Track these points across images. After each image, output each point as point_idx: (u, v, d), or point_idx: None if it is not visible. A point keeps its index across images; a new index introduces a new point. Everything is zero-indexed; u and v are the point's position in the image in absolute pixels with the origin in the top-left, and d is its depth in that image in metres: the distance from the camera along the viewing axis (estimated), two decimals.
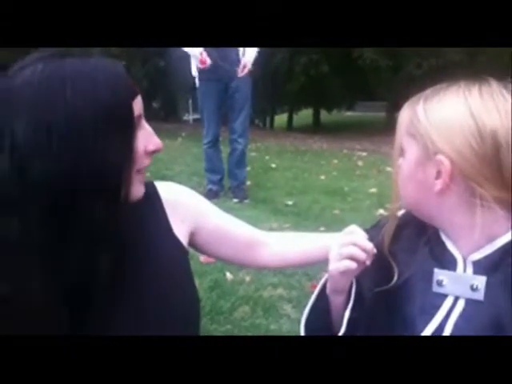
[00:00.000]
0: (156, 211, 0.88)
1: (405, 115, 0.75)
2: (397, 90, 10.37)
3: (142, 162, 0.76)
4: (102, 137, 0.67)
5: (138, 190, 0.77)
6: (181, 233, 0.89)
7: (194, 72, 3.96)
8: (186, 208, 0.92)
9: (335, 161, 6.69)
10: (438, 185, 0.69)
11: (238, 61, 3.85)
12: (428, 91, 0.75)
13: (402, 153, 0.76)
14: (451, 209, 0.70)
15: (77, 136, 0.66)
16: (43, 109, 0.65)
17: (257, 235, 1.02)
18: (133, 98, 0.73)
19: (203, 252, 1.01)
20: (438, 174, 0.69)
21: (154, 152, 0.78)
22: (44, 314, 0.69)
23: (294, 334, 1.89)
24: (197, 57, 3.76)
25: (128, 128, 0.71)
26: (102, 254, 0.70)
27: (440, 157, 0.68)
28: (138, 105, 0.74)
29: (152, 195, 0.88)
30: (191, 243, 0.95)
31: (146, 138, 0.76)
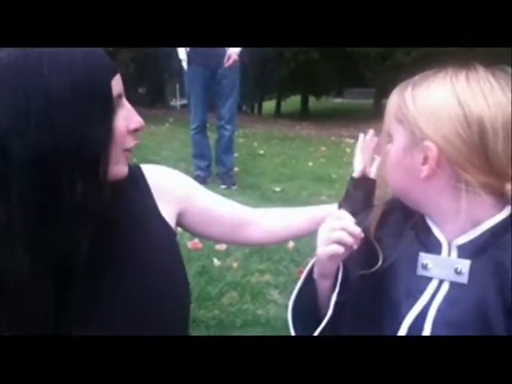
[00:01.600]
0: (142, 193, 0.88)
1: (393, 101, 0.76)
2: (385, 77, 10.39)
3: (126, 141, 0.76)
4: (80, 115, 0.67)
5: (121, 170, 0.77)
6: (168, 214, 0.90)
7: (181, 56, 3.93)
8: (173, 189, 0.93)
9: (323, 148, 6.71)
10: (425, 170, 0.70)
11: (224, 51, 3.82)
12: (416, 78, 0.75)
13: (389, 139, 0.76)
14: (437, 194, 0.71)
15: (55, 114, 0.65)
16: (21, 87, 0.65)
17: (245, 214, 1.03)
18: (111, 76, 0.72)
19: (192, 232, 1.02)
20: (425, 160, 0.70)
21: (136, 130, 0.78)
22: (29, 295, 0.69)
23: (280, 320, 1.92)
24: None
25: (107, 106, 0.71)
26: (84, 234, 0.70)
27: (427, 143, 0.68)
28: (117, 83, 0.73)
29: (138, 178, 0.89)
30: (180, 224, 0.96)
31: (128, 116, 0.76)
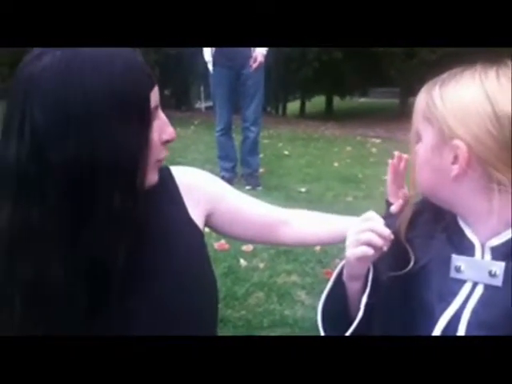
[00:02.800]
0: (171, 195, 0.89)
1: (421, 100, 0.74)
2: (411, 76, 10.23)
3: (158, 151, 0.77)
4: (118, 126, 0.68)
5: (152, 179, 0.78)
6: (197, 215, 0.90)
7: (207, 58, 3.95)
8: (201, 190, 0.93)
9: (348, 148, 6.65)
10: (455, 170, 0.69)
11: (249, 52, 3.83)
12: (444, 75, 0.74)
13: (418, 138, 0.75)
14: (468, 194, 0.70)
15: (94, 123, 0.66)
16: (62, 94, 0.65)
17: (276, 214, 1.03)
18: (150, 88, 0.73)
19: (221, 233, 1.02)
20: (455, 159, 0.68)
21: (168, 142, 0.78)
22: (64, 297, 0.70)
23: (308, 320, 1.91)
24: None
25: (144, 118, 0.72)
26: (121, 242, 0.71)
27: (456, 141, 0.67)
28: (155, 95, 0.74)
29: (167, 179, 0.89)
30: (209, 224, 0.96)
31: (161, 128, 0.77)
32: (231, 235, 1.03)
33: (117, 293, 0.73)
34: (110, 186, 0.68)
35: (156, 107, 0.75)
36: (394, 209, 0.95)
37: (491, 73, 0.68)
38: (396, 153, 1.02)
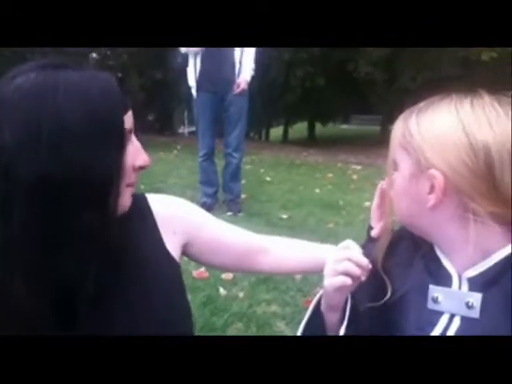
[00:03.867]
0: (147, 224, 0.87)
1: (398, 129, 0.75)
2: (391, 103, 10.43)
3: (130, 176, 0.75)
4: (91, 147, 0.67)
5: (125, 203, 0.77)
6: (172, 245, 0.88)
7: (191, 83, 3.96)
8: (179, 219, 0.91)
9: (330, 174, 6.70)
10: (431, 199, 0.68)
11: (233, 78, 3.85)
12: (421, 104, 0.74)
13: (395, 167, 0.75)
14: (445, 223, 0.69)
15: (65, 143, 0.65)
16: (34, 111, 0.64)
17: (256, 242, 1.01)
18: (124, 112, 0.73)
19: (199, 261, 0.99)
20: (431, 189, 0.68)
21: (141, 168, 0.77)
22: (28, 323, 0.67)
23: None
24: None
25: (118, 141, 0.71)
26: (88, 265, 0.69)
27: (433, 171, 0.67)
28: (129, 119, 0.73)
29: (143, 208, 0.87)
30: (187, 254, 0.94)
31: (135, 153, 0.76)
32: (209, 264, 1.01)
33: (86, 318, 0.70)
34: (80, 207, 0.67)
35: (130, 131, 0.74)
36: (374, 232, 0.93)
37: (466, 103, 0.68)
38: (386, 178, 0.99)
